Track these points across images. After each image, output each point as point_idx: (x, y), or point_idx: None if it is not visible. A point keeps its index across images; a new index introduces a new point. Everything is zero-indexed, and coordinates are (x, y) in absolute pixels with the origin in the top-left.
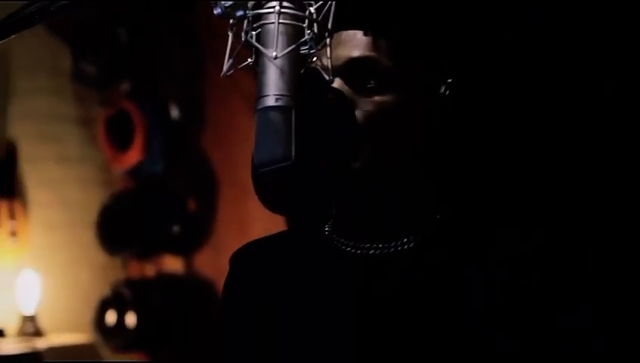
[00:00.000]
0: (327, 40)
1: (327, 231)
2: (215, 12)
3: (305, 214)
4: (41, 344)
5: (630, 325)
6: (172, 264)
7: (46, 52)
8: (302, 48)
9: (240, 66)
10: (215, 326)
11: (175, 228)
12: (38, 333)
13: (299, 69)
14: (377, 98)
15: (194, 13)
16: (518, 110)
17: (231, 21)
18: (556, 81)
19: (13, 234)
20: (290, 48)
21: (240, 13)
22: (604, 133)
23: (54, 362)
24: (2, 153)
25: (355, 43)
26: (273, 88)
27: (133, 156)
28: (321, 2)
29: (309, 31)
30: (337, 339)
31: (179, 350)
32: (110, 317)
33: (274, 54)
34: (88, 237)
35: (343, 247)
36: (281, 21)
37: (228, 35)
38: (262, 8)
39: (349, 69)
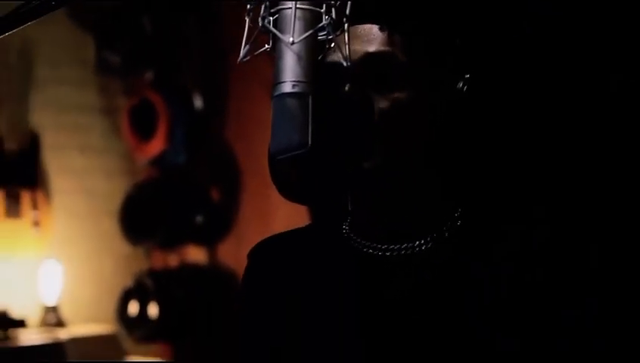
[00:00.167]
0: (346, 26)
1: (344, 229)
2: None
3: (322, 204)
4: (63, 335)
5: (635, 323)
6: (195, 254)
7: (70, 42)
8: (320, 34)
9: (257, 52)
10: (235, 320)
11: (198, 219)
12: (60, 323)
13: (316, 56)
14: (392, 95)
15: (217, 3)
16: (533, 106)
17: (248, 6)
18: (573, 77)
19: (36, 223)
20: (307, 34)
21: None
22: (613, 131)
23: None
24: (25, 143)
25: (371, 38)
26: (290, 74)
27: (156, 145)
28: None
29: (326, 16)
30: (350, 339)
31: (202, 341)
32: (133, 307)
33: (291, 39)
34: (111, 226)
35: (360, 247)
36: (298, 6)
37: (245, 21)
38: None
39: (365, 64)
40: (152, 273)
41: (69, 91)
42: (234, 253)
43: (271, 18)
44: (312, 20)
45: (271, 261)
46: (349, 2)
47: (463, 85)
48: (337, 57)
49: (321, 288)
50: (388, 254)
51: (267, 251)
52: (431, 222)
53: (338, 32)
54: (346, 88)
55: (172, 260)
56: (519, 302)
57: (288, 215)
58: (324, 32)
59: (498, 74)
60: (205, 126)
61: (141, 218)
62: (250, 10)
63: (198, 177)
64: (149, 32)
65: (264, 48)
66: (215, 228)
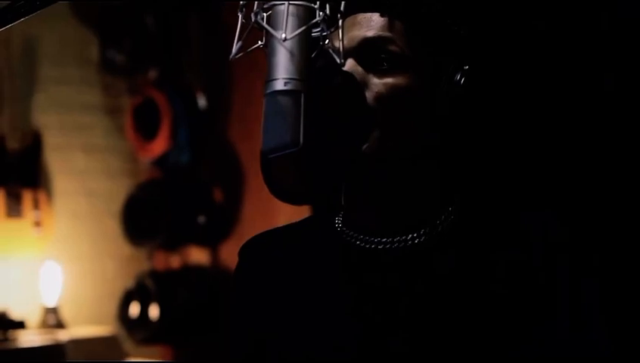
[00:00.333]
0: (340, 22)
1: (337, 223)
2: None
3: (315, 204)
4: (62, 336)
5: (633, 326)
6: (198, 255)
7: (73, 41)
8: (313, 31)
9: (250, 49)
10: (226, 317)
11: (201, 219)
12: (60, 325)
13: (310, 53)
14: (389, 80)
15: (221, 1)
16: (532, 101)
17: (241, 2)
18: (571, 74)
19: (37, 224)
20: (299, 30)
21: None
22: (609, 129)
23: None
24: (27, 142)
25: (370, 24)
26: (282, 71)
27: (159, 145)
28: None
29: (320, 13)
30: (342, 332)
31: (203, 343)
32: (134, 309)
33: (284, 35)
34: (113, 227)
35: (353, 241)
36: (291, 2)
37: (238, 17)
38: None
39: (363, 48)
40: (153, 274)
41: (72, 91)
42: (237, 254)
43: (265, 14)
44: (305, 17)
45: (261, 257)
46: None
47: (461, 77)
48: (330, 51)
49: (312, 282)
50: (381, 247)
51: (257, 247)
52: (425, 216)
53: (332, 29)
54: (337, 78)
55: (175, 261)
56: (512, 298)
57: (292, 216)
58: (318, 29)
59: (498, 68)
60: (209, 126)
61: (144, 218)
62: (242, 6)
63: (201, 177)
64: (153, 31)
65: (257, 45)
66: (218, 229)
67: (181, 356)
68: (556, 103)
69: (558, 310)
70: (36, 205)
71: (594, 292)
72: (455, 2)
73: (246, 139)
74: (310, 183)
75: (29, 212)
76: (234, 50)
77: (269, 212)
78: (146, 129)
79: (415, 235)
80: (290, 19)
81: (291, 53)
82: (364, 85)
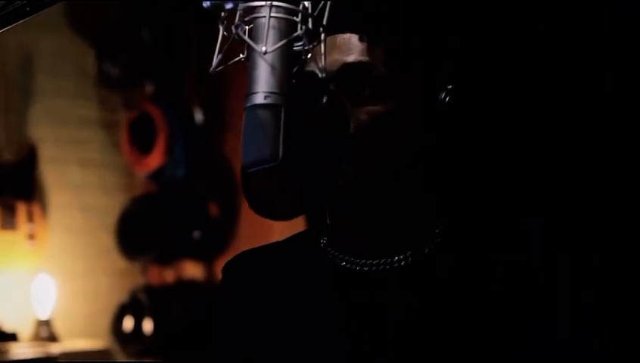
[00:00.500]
0: (322, 36)
1: (322, 243)
2: (204, 5)
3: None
4: (55, 349)
5: (632, 337)
6: (193, 270)
7: (70, 53)
8: (295, 45)
9: (231, 62)
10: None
11: (196, 234)
12: (52, 338)
13: (291, 67)
14: (371, 107)
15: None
16: (518, 119)
17: (222, 14)
18: (558, 94)
19: (31, 236)
20: (280, 44)
21: (229, 5)
22: (599, 151)
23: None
24: (22, 155)
25: (350, 48)
26: (263, 85)
27: (155, 160)
28: None
29: (302, 26)
30: (325, 355)
31: (196, 357)
32: (128, 323)
33: (264, 49)
34: (107, 241)
35: (338, 262)
36: (272, 15)
37: (219, 29)
38: (253, 1)
39: (343, 74)
40: (147, 288)
41: (68, 104)
42: None
43: (247, 27)
44: (287, 30)
45: (245, 275)
46: (326, 12)
47: (445, 97)
48: (313, 67)
49: (297, 302)
50: (366, 269)
51: (241, 265)
52: (410, 238)
53: (315, 43)
54: (324, 100)
55: (169, 276)
56: (497, 321)
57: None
58: (300, 43)
59: (482, 85)
60: (205, 141)
61: (138, 232)
62: (223, 18)
63: (197, 192)
64: (149, 45)
65: (239, 58)
66: (213, 244)
67: None
68: (553, 106)
69: (558, 312)
70: (30, 218)
71: (593, 292)
72: (435, 21)
73: None
74: (289, 198)
75: (23, 225)
76: (214, 62)
77: (265, 228)
78: (142, 144)
79: (401, 257)
80: (271, 32)
81: (272, 66)
82: (347, 110)
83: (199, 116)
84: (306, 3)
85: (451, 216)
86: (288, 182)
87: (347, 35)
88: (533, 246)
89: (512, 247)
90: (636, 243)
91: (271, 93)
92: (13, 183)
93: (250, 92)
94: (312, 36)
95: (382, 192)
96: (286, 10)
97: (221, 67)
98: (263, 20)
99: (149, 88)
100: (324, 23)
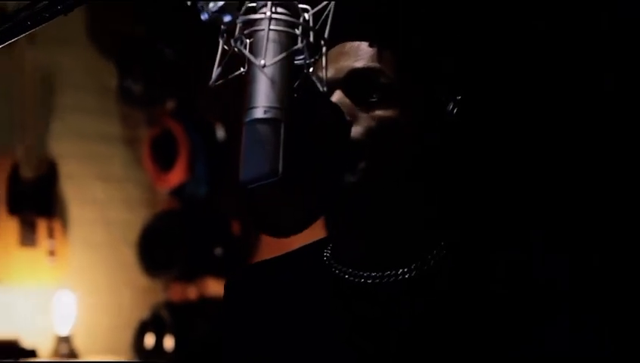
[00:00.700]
0: (323, 49)
1: (325, 256)
2: (202, 17)
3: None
4: None
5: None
6: (214, 287)
7: (92, 69)
8: (296, 58)
9: (231, 76)
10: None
11: (218, 250)
12: (72, 354)
13: (292, 81)
14: (378, 113)
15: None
16: (524, 132)
17: (222, 27)
18: (562, 105)
19: (52, 253)
20: (279, 57)
21: (228, 18)
22: (601, 163)
23: None
24: (42, 171)
25: (358, 54)
26: (262, 99)
27: (177, 176)
28: (317, 8)
29: (302, 39)
30: None
31: None
32: (149, 339)
33: (263, 62)
34: (129, 258)
35: (342, 275)
36: (272, 28)
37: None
38: (251, 14)
39: (352, 80)
40: (169, 305)
41: (90, 120)
42: None
43: (248, 41)
44: (287, 43)
45: (248, 290)
46: (327, 26)
47: (454, 107)
48: (315, 80)
49: (301, 317)
50: (370, 282)
51: (244, 280)
52: (415, 250)
53: (316, 57)
54: (325, 114)
55: (191, 292)
56: (503, 335)
57: None
58: (302, 57)
59: (491, 97)
60: (226, 157)
61: (160, 249)
62: (223, 31)
63: (219, 209)
64: (171, 62)
65: (239, 72)
66: (235, 261)
67: None
68: (554, 106)
69: (558, 312)
70: (51, 234)
71: (593, 292)
72: (445, 30)
73: None
74: (291, 214)
75: (43, 241)
76: (213, 76)
77: (285, 245)
78: (164, 160)
79: (406, 270)
80: (271, 45)
81: (272, 80)
82: (352, 117)
83: (220, 133)
84: (307, 15)
85: (456, 227)
86: (289, 197)
87: (356, 43)
88: (533, 246)
89: (512, 247)
90: (636, 243)
91: (271, 107)
92: (34, 199)
93: (249, 106)
94: (314, 50)
95: (387, 201)
96: (286, 23)
97: (221, 80)
98: (263, 33)
99: (171, 105)
100: (326, 36)
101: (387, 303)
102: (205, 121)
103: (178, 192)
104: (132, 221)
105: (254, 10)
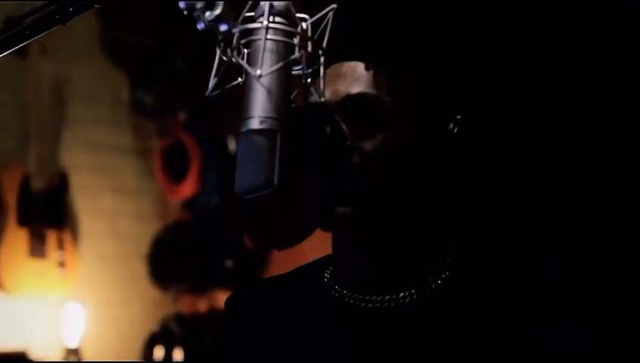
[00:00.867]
0: (321, 59)
1: (326, 277)
2: (198, 27)
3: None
4: None
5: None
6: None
7: (104, 80)
8: (294, 69)
9: (228, 86)
10: None
11: (229, 263)
12: None
13: (289, 91)
14: (376, 138)
15: None
16: (525, 130)
17: (219, 37)
18: (562, 117)
19: (62, 264)
20: (275, 67)
21: (224, 28)
22: (601, 171)
23: None
24: (53, 182)
25: (354, 78)
26: (258, 109)
27: (188, 187)
28: (316, 18)
29: (300, 49)
30: None
31: None
32: (158, 352)
33: (259, 72)
34: (139, 269)
35: (342, 298)
36: (269, 37)
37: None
38: (248, 23)
39: (348, 106)
40: (179, 317)
41: (102, 131)
42: None
43: (245, 50)
44: (285, 53)
45: (247, 309)
46: (326, 35)
47: (454, 127)
48: (313, 92)
49: (300, 338)
50: (370, 305)
51: (243, 300)
52: (416, 273)
53: (314, 67)
54: (327, 130)
55: (202, 305)
56: (503, 335)
57: None
58: (299, 67)
59: (490, 115)
60: None
61: (171, 261)
62: (220, 41)
63: (231, 221)
64: (182, 72)
65: (237, 82)
66: (246, 274)
67: None
68: (554, 106)
69: (558, 312)
70: (61, 245)
71: (593, 292)
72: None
73: None
74: (286, 226)
75: (53, 253)
76: (210, 86)
77: (297, 258)
78: (175, 171)
79: (407, 293)
80: (267, 55)
81: (268, 91)
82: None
83: (232, 145)
84: (305, 25)
85: (456, 253)
86: (284, 209)
87: (352, 64)
88: (533, 246)
89: (512, 247)
90: (636, 243)
91: (267, 118)
92: (44, 211)
93: (245, 117)
94: (312, 60)
95: (387, 222)
96: (283, 33)
97: (217, 91)
98: (260, 43)
99: (182, 116)
100: (324, 46)
101: (389, 327)
102: (217, 132)
103: (189, 204)
104: (143, 232)
105: (251, 20)
